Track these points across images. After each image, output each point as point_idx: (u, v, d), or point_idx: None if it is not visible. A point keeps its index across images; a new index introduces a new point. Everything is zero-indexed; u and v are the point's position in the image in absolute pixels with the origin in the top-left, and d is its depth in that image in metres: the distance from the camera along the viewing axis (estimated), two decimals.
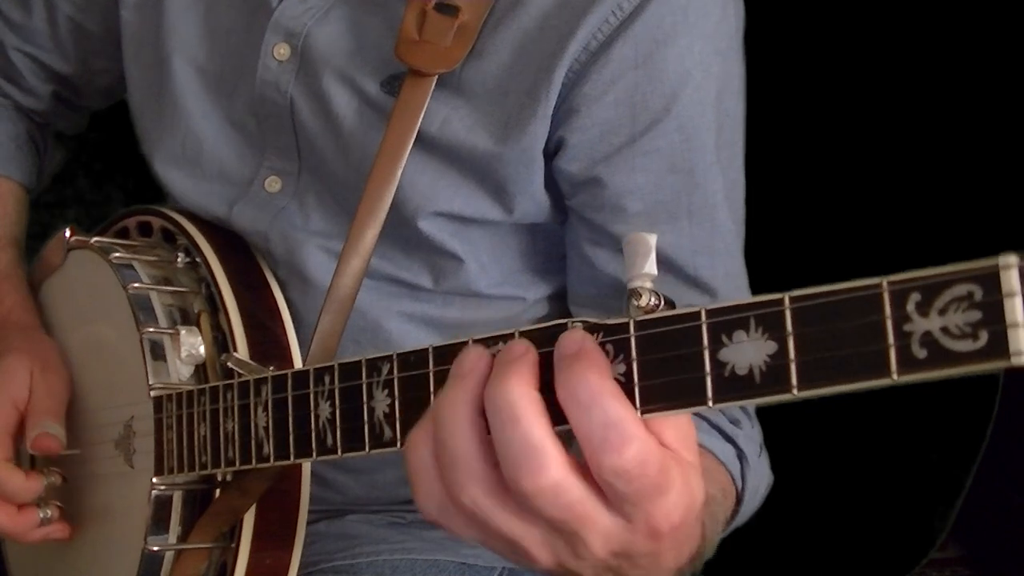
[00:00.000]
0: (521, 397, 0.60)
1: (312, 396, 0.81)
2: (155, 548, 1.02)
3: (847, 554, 1.96)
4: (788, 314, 0.53)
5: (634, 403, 0.60)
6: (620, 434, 0.58)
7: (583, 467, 0.61)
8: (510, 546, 0.65)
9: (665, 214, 1.05)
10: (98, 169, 2.08)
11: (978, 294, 0.47)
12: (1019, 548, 2.02)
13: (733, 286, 1.09)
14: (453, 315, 1.16)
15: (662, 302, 0.60)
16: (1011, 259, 0.47)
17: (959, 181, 1.97)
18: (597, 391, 0.58)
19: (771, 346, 0.54)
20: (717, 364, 0.56)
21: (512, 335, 0.66)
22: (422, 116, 1.04)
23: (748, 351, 0.55)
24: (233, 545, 1.03)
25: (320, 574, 1.20)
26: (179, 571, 1.04)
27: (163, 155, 1.21)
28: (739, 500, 1.00)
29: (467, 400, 0.63)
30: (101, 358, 1.14)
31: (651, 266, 0.62)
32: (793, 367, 0.53)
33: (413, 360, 0.72)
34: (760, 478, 1.03)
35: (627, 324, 0.61)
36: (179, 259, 1.13)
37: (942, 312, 0.48)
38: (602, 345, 0.62)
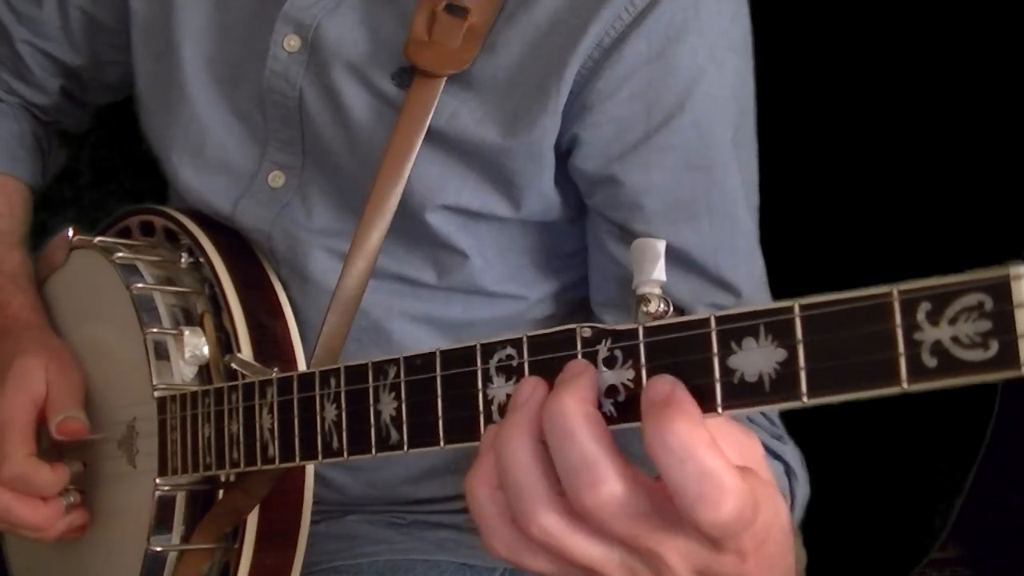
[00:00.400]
0: (574, 411, 0.59)
1: (318, 399, 0.81)
2: (158, 548, 1.02)
3: (847, 554, 1.96)
4: (798, 322, 0.53)
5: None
6: (717, 487, 0.55)
7: (652, 482, 0.59)
8: (587, 573, 0.63)
9: (684, 212, 1.05)
10: (98, 168, 2.08)
11: (988, 304, 0.47)
12: (1019, 548, 2.02)
13: (756, 286, 1.09)
14: (455, 314, 1.15)
15: (671, 308, 0.60)
16: (1022, 269, 0.47)
17: (966, 182, 1.97)
18: (690, 442, 0.56)
19: (781, 353, 0.54)
20: (726, 371, 0.56)
21: (520, 340, 0.66)
22: (431, 116, 1.04)
23: (758, 358, 0.55)
24: (236, 546, 1.03)
25: (321, 574, 1.20)
26: (182, 571, 1.04)
27: (170, 146, 1.20)
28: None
29: (526, 427, 0.61)
30: (103, 358, 1.14)
31: (660, 272, 0.61)
32: (803, 375, 0.53)
33: (420, 364, 0.72)
34: (805, 491, 1.02)
35: (636, 331, 0.61)
36: (182, 259, 1.13)
37: (952, 321, 0.48)
38: (610, 351, 0.62)
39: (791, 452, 1.02)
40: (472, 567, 1.23)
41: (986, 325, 0.47)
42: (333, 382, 0.80)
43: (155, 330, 1.05)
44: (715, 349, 0.57)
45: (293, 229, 1.14)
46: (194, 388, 0.98)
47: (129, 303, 1.07)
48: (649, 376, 0.60)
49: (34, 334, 1.15)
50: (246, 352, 1.05)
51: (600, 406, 0.62)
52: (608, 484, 0.58)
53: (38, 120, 1.39)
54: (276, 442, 0.85)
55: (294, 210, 1.15)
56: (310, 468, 1.06)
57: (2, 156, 1.32)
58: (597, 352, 0.62)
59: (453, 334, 1.15)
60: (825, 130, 2.02)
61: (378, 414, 0.75)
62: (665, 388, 0.58)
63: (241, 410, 0.90)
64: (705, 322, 0.57)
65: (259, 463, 0.88)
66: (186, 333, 1.05)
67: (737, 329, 0.56)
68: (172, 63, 1.18)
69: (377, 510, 1.24)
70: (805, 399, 0.53)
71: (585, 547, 0.61)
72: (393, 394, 0.74)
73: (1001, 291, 0.47)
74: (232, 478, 1.02)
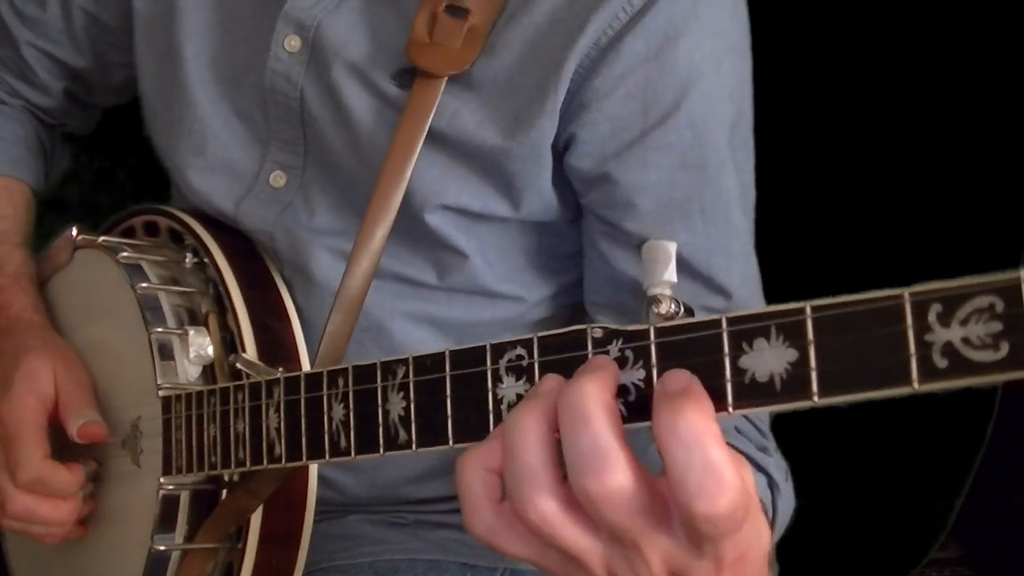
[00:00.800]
0: (594, 399, 0.59)
1: (325, 398, 0.81)
2: (161, 547, 1.02)
3: (847, 554, 1.97)
4: (809, 323, 0.54)
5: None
6: (718, 480, 0.56)
7: (652, 479, 0.60)
8: (566, 562, 0.64)
9: (678, 212, 1.05)
10: (102, 168, 2.08)
11: (999, 306, 0.48)
12: (1019, 548, 2.02)
13: (749, 290, 1.09)
14: (457, 314, 1.16)
15: (682, 309, 0.61)
16: None
17: (966, 182, 1.97)
18: (700, 432, 0.56)
19: (792, 354, 0.54)
20: (737, 371, 0.57)
21: (531, 340, 0.66)
22: (432, 116, 1.04)
23: (769, 359, 0.55)
24: (240, 546, 1.04)
25: (321, 574, 1.20)
26: (185, 571, 1.04)
27: (174, 146, 1.20)
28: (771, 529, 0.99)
29: (540, 412, 0.61)
30: (107, 357, 1.14)
31: (671, 273, 0.62)
32: (814, 375, 0.54)
33: (429, 364, 0.72)
34: (788, 505, 1.02)
35: (647, 331, 0.61)
36: (187, 259, 1.13)
37: (963, 323, 0.49)
38: (621, 351, 0.62)
39: (775, 465, 1.01)
40: (473, 567, 1.23)
41: (997, 327, 0.48)
42: (341, 382, 0.80)
43: (160, 330, 1.05)
44: (726, 349, 0.57)
45: (295, 229, 1.14)
46: (199, 388, 0.98)
47: (134, 303, 1.07)
48: (659, 377, 0.60)
49: (38, 333, 1.15)
50: (251, 352, 1.05)
51: None
52: (615, 474, 0.58)
53: (42, 123, 1.39)
54: (283, 441, 0.86)
55: (296, 210, 1.15)
56: (313, 469, 1.07)
57: (5, 158, 1.32)
58: (608, 352, 0.63)
59: (454, 335, 1.15)
60: (824, 130, 2.03)
61: (387, 414, 0.75)
62: (682, 380, 0.59)
63: (247, 409, 0.90)
64: (716, 323, 0.58)
65: (265, 462, 0.88)
66: (191, 333, 1.05)
67: (749, 330, 0.56)
68: (175, 64, 1.18)
69: (378, 510, 1.25)
70: (816, 399, 0.53)
71: (576, 536, 0.62)
72: (402, 394, 0.74)
73: (1012, 293, 0.47)
74: (236, 478, 1.02)
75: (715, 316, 0.58)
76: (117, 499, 1.11)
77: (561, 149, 1.06)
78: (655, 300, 0.61)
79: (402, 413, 0.74)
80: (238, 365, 1.01)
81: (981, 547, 2.09)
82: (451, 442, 0.71)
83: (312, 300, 1.13)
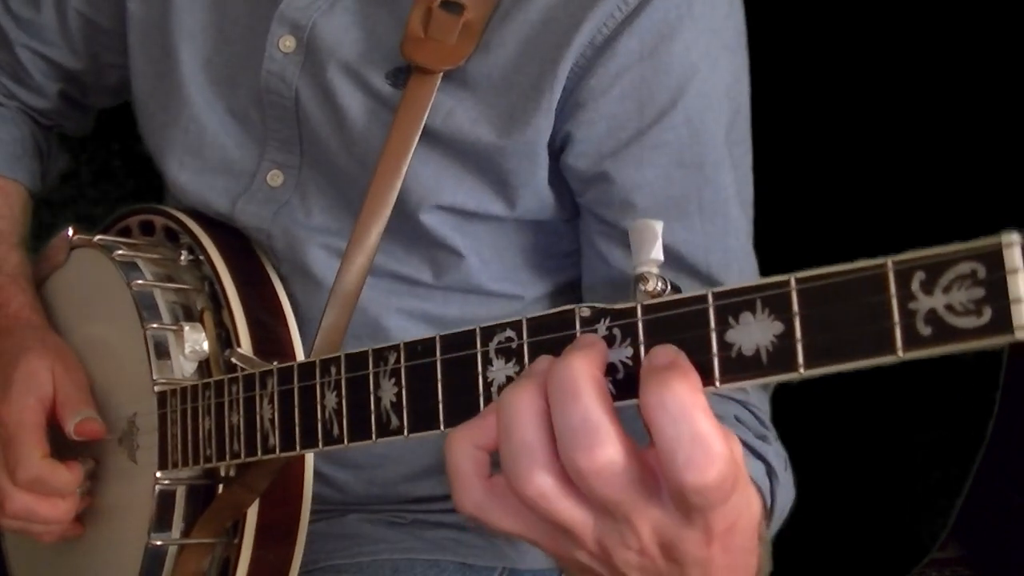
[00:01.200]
0: (583, 375, 0.59)
1: (318, 387, 0.81)
2: (158, 543, 1.02)
3: (847, 554, 1.97)
4: (794, 295, 0.54)
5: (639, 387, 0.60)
6: (706, 451, 0.56)
7: (642, 451, 0.60)
8: (557, 536, 0.64)
9: (676, 210, 1.05)
10: (100, 168, 2.08)
11: (981, 272, 0.48)
12: (1019, 548, 2.02)
13: None
14: (453, 312, 1.16)
15: (668, 287, 0.61)
16: (1013, 237, 0.48)
17: (966, 182, 1.97)
18: (687, 403, 0.56)
19: (778, 326, 0.55)
20: (724, 345, 0.57)
21: (520, 322, 0.67)
22: (427, 113, 1.04)
23: (755, 332, 0.56)
24: (236, 541, 1.04)
25: (320, 573, 1.20)
26: (182, 566, 1.04)
27: (167, 147, 1.21)
28: (768, 518, 0.96)
29: (535, 388, 0.61)
30: (104, 355, 1.14)
31: (658, 252, 0.62)
32: (799, 347, 0.54)
33: (420, 349, 0.72)
34: (787, 494, 1.01)
35: (634, 309, 0.61)
36: (182, 257, 1.13)
37: (946, 290, 0.49)
38: (609, 330, 0.62)
39: (774, 453, 1.01)
40: (472, 566, 1.23)
41: (979, 292, 0.48)
42: (333, 370, 0.80)
43: (155, 326, 1.06)
44: (713, 324, 0.57)
45: (292, 227, 1.15)
46: (194, 382, 0.98)
47: (129, 300, 1.07)
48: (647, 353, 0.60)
49: (36, 333, 1.16)
50: (246, 347, 1.05)
51: None
52: (605, 448, 0.58)
53: (38, 124, 1.40)
54: (277, 432, 0.86)
55: (293, 208, 1.15)
56: (309, 462, 1.07)
57: (1, 159, 1.32)
58: (596, 331, 0.63)
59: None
60: (822, 127, 2.03)
61: (378, 400, 0.75)
62: (669, 354, 0.59)
63: (242, 401, 0.90)
64: (703, 298, 0.58)
65: (260, 453, 0.88)
66: (186, 329, 1.05)
67: (734, 304, 0.57)
68: (170, 65, 1.19)
69: (377, 509, 1.25)
70: (802, 371, 0.54)
71: (569, 510, 0.62)
72: (393, 380, 0.74)
73: (993, 259, 0.48)
74: (232, 473, 1.03)
75: (701, 292, 0.58)
76: (114, 496, 1.11)
77: (557, 148, 1.06)
78: (642, 278, 0.61)
79: (394, 399, 0.74)
80: (233, 360, 1.01)
81: (981, 547, 2.08)
82: (442, 426, 0.71)
83: (309, 297, 1.14)
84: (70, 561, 1.16)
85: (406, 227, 1.10)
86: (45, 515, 1.08)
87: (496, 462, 0.64)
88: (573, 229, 1.13)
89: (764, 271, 1.10)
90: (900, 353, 0.50)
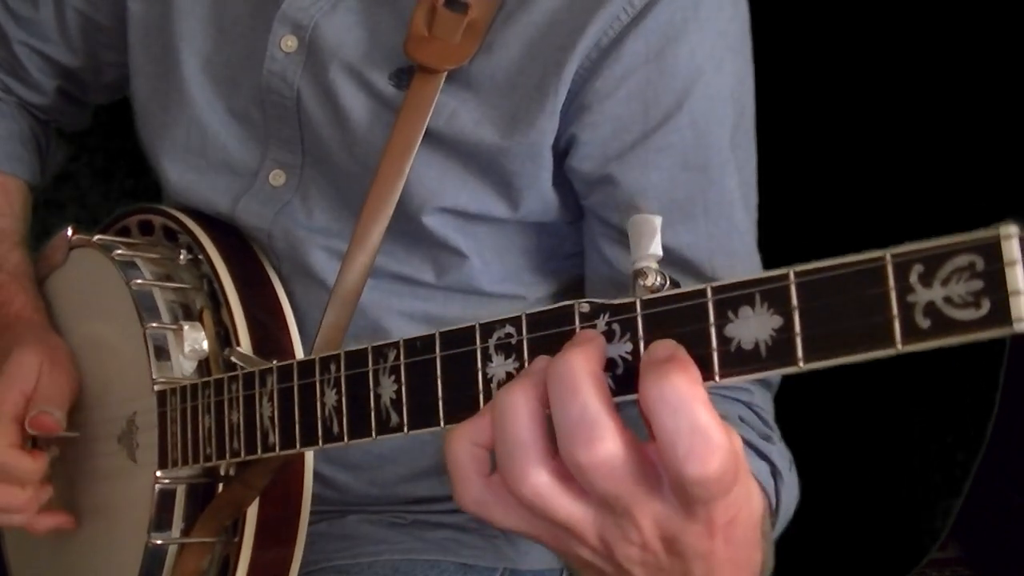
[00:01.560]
0: (582, 370, 0.59)
1: (318, 384, 0.81)
2: (158, 542, 1.02)
3: (847, 554, 1.97)
4: (793, 288, 0.54)
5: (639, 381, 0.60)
6: (707, 442, 0.56)
7: (641, 445, 0.60)
8: (559, 532, 0.64)
9: (680, 213, 1.05)
10: (99, 168, 2.09)
11: (979, 264, 0.48)
12: (1019, 548, 2.02)
13: None
14: (454, 313, 1.16)
15: (667, 282, 0.61)
16: (1011, 229, 0.48)
17: (969, 182, 1.97)
18: (687, 396, 0.56)
19: (777, 320, 0.55)
20: (723, 340, 0.57)
21: (519, 317, 0.67)
22: (431, 113, 1.04)
23: (754, 326, 0.56)
24: (236, 539, 1.04)
25: (321, 574, 1.20)
26: (182, 565, 1.04)
27: (168, 147, 1.21)
28: (773, 518, 0.96)
29: (530, 387, 0.62)
30: (103, 355, 1.14)
31: (656, 247, 0.62)
32: (799, 340, 0.54)
33: (420, 346, 0.72)
34: (792, 494, 1.00)
35: (633, 304, 0.61)
36: (181, 256, 1.13)
37: (945, 282, 0.49)
38: (608, 325, 0.62)
39: (778, 453, 1.00)
40: (472, 567, 1.23)
41: (978, 284, 0.48)
42: (333, 368, 0.80)
43: (155, 325, 1.06)
44: (712, 319, 0.57)
45: (293, 228, 1.15)
46: (194, 380, 0.98)
47: (129, 299, 1.07)
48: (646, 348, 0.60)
49: (35, 331, 1.16)
50: (245, 346, 1.05)
51: None
52: (605, 443, 0.58)
53: (36, 119, 1.40)
54: (277, 429, 0.86)
55: (294, 209, 1.15)
56: (309, 461, 1.07)
57: (1, 155, 1.32)
58: (595, 327, 0.63)
59: None
60: (827, 130, 2.03)
61: (378, 397, 0.75)
62: (668, 348, 0.59)
63: (241, 399, 0.90)
64: (702, 292, 0.58)
65: (260, 451, 0.88)
66: (185, 328, 1.05)
67: (733, 298, 0.57)
68: (171, 64, 1.19)
69: (378, 510, 1.25)
70: (801, 364, 0.54)
71: (569, 507, 0.62)
72: (393, 377, 0.74)
73: (992, 251, 0.48)
74: (232, 471, 1.03)
75: (700, 286, 0.58)
76: (114, 495, 1.11)
77: (562, 150, 1.06)
78: (641, 273, 0.61)
79: (393, 396, 0.74)
80: (232, 358, 1.01)
81: (981, 547, 2.08)
82: (442, 423, 0.71)
83: (311, 297, 1.14)
84: (70, 559, 1.16)
85: (408, 228, 1.10)
86: (7, 501, 1.09)
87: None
88: (576, 231, 1.13)
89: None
90: (899, 346, 0.50)
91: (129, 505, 1.06)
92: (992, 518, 2.02)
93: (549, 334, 0.65)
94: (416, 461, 1.21)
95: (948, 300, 0.49)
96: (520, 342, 0.66)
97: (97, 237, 1.17)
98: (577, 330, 0.64)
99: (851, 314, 0.52)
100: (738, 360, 0.56)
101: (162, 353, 1.05)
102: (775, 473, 0.98)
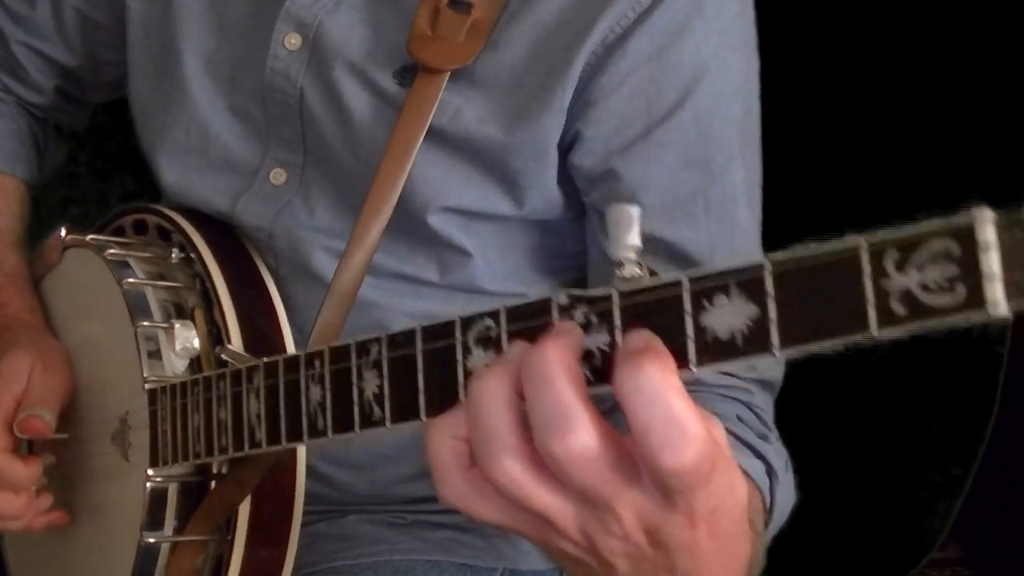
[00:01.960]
0: (556, 362, 0.59)
1: (303, 380, 0.81)
2: (151, 540, 1.02)
3: (847, 554, 1.96)
4: (769, 277, 0.54)
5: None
6: (682, 432, 0.56)
7: (618, 437, 0.59)
8: (539, 525, 0.63)
9: (681, 210, 1.05)
10: (99, 168, 2.09)
11: (954, 249, 0.48)
12: (1019, 548, 2.02)
13: None
14: (457, 312, 1.15)
15: (646, 273, 0.61)
16: (986, 213, 0.47)
17: (972, 183, 1.97)
18: (660, 385, 0.56)
19: (752, 309, 0.54)
20: (699, 329, 0.57)
21: (498, 311, 0.66)
22: (433, 112, 1.04)
23: (729, 315, 0.55)
24: (229, 537, 1.04)
25: (320, 574, 1.20)
26: (175, 564, 1.04)
27: (167, 147, 1.20)
28: (767, 516, 0.96)
29: (504, 375, 0.61)
30: (97, 355, 1.14)
31: (634, 237, 0.62)
32: (774, 328, 0.53)
33: (401, 339, 0.72)
34: (787, 494, 1.00)
35: (610, 295, 0.61)
36: (173, 255, 1.13)
37: (920, 268, 0.49)
38: (585, 316, 0.62)
39: (775, 452, 1.00)
40: (472, 567, 1.23)
41: (953, 270, 0.48)
42: (318, 363, 0.80)
43: (146, 323, 1.06)
44: (688, 308, 0.57)
45: (295, 228, 1.14)
46: (184, 379, 0.98)
47: (120, 298, 1.08)
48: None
49: (30, 333, 1.16)
50: (236, 344, 1.05)
51: None
52: (579, 434, 0.58)
53: (34, 117, 1.40)
54: (263, 426, 0.86)
55: (295, 208, 1.15)
56: (301, 458, 1.07)
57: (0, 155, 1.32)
58: (573, 318, 0.63)
59: None
60: (830, 128, 2.03)
61: (361, 392, 0.75)
62: (643, 339, 0.58)
63: (229, 396, 0.90)
64: (677, 283, 0.58)
65: (247, 448, 0.88)
66: (177, 326, 1.05)
67: (709, 288, 0.56)
68: (171, 62, 1.18)
69: (377, 510, 1.25)
70: (777, 352, 0.53)
71: (545, 497, 0.61)
72: (375, 371, 0.74)
73: (966, 236, 0.47)
74: (224, 469, 1.03)
75: (676, 276, 0.58)
76: (109, 494, 1.11)
77: (566, 147, 1.06)
78: (618, 264, 0.61)
79: (376, 391, 0.74)
80: (223, 356, 1.02)
81: (981, 547, 2.08)
82: (423, 417, 0.70)
83: (312, 299, 1.13)
84: (66, 559, 1.16)
85: (412, 228, 1.10)
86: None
87: None
88: (579, 229, 1.13)
89: None
90: (875, 333, 0.50)
91: (123, 504, 1.06)
92: (992, 518, 2.02)
93: (528, 326, 0.64)
94: (418, 461, 1.20)
95: (923, 286, 0.48)
96: (499, 335, 0.66)
97: (91, 237, 1.17)
98: (555, 322, 0.63)
99: (826, 301, 0.51)
100: (715, 349, 0.56)
101: (153, 352, 1.05)
102: (770, 472, 0.97)
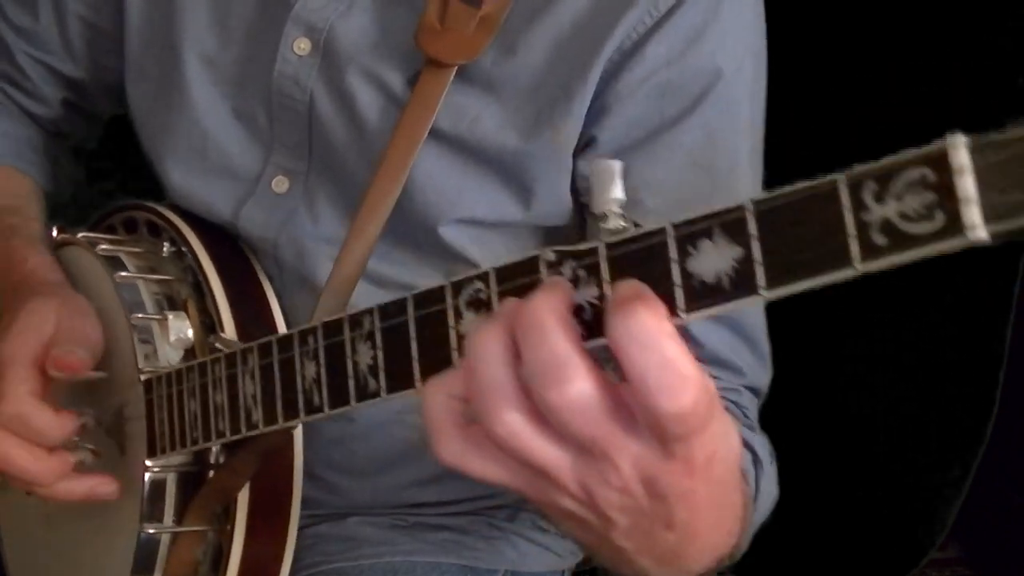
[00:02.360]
0: (549, 312, 0.59)
1: (297, 357, 0.82)
2: (151, 531, 1.03)
3: (847, 554, 1.95)
4: (751, 218, 0.54)
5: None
6: (678, 374, 0.55)
7: (614, 386, 0.59)
8: (538, 480, 0.63)
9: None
10: (98, 168, 2.08)
11: (930, 176, 0.48)
12: (1019, 548, 2.01)
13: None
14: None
15: (631, 225, 0.61)
16: (959, 138, 0.48)
17: None
18: (654, 330, 0.56)
19: (737, 251, 0.55)
20: (686, 275, 0.57)
21: (487, 273, 0.67)
22: (439, 108, 1.03)
23: (715, 259, 0.56)
24: (228, 527, 1.04)
25: (321, 575, 1.20)
26: (176, 555, 1.04)
27: (170, 150, 1.19)
28: (753, 504, 0.94)
29: (500, 328, 0.61)
30: None
31: (617, 191, 0.62)
32: (759, 269, 0.54)
33: (392, 309, 0.73)
34: (771, 487, 1.00)
35: (596, 248, 0.61)
36: (164, 249, 1.14)
37: (899, 198, 0.49)
38: (573, 271, 0.62)
39: (760, 442, 1.00)
40: (473, 569, 1.23)
41: (931, 197, 0.48)
42: (311, 340, 0.80)
43: (139, 316, 1.06)
44: (674, 255, 0.57)
45: (301, 237, 1.13)
46: (179, 366, 0.99)
47: (113, 292, 1.08)
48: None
49: (52, 286, 1.10)
50: (229, 332, 1.05)
51: None
52: (576, 383, 0.58)
53: (46, 131, 1.38)
54: (259, 406, 0.86)
55: (301, 217, 1.14)
56: (299, 447, 1.07)
57: (9, 152, 1.30)
58: (561, 274, 0.63)
59: None
60: (831, 128, 2.03)
61: (355, 365, 0.76)
62: (633, 287, 0.58)
63: (224, 379, 0.91)
64: (661, 231, 0.58)
65: (244, 430, 0.88)
66: (170, 317, 1.06)
67: (693, 233, 0.57)
68: (172, 65, 1.17)
69: (379, 512, 1.25)
70: (763, 292, 0.54)
71: (544, 448, 0.61)
72: (369, 343, 0.74)
73: (941, 161, 0.48)
74: (221, 459, 1.03)
75: (660, 224, 0.58)
76: None
77: (579, 151, 1.06)
78: (602, 216, 0.61)
79: (370, 362, 0.74)
80: (217, 344, 1.02)
81: (981, 547, 2.07)
82: (418, 385, 0.71)
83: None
84: (65, 553, 1.16)
85: (423, 239, 1.10)
86: (20, 464, 0.98)
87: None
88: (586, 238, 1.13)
89: None
90: (858, 266, 0.50)
91: (122, 497, 1.06)
92: (992, 518, 2.01)
93: (518, 285, 0.65)
94: (420, 468, 1.20)
95: (903, 215, 0.49)
96: (489, 297, 0.67)
97: (81, 234, 1.17)
98: (544, 279, 0.64)
99: (809, 238, 0.52)
100: (702, 294, 0.56)
101: (147, 343, 1.06)
102: (756, 462, 0.97)
